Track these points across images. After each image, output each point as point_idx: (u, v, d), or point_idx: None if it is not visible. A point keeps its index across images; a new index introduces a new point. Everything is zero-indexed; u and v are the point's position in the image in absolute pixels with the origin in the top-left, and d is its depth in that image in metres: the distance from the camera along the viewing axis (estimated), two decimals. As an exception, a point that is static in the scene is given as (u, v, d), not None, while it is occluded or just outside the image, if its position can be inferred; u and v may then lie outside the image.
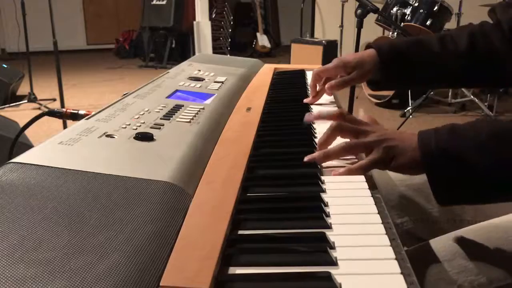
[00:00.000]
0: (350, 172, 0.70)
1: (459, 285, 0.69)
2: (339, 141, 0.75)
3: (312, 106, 1.09)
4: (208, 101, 0.99)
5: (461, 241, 0.74)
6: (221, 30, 7.06)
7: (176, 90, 1.05)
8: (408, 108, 3.77)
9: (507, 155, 0.62)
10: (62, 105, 3.25)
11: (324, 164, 0.74)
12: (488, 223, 0.78)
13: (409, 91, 3.83)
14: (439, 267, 0.72)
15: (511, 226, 0.75)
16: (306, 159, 0.73)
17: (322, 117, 0.79)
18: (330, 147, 0.75)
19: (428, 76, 1.02)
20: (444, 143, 0.65)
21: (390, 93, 4.01)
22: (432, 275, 0.72)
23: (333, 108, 1.07)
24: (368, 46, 1.04)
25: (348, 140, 0.74)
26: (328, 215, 0.58)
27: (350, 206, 0.61)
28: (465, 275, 0.69)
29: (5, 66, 4.44)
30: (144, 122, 0.79)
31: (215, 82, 1.17)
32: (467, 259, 0.71)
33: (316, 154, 0.73)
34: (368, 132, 0.72)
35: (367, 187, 0.66)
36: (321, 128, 0.82)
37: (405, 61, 0.99)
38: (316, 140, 0.86)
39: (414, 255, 0.77)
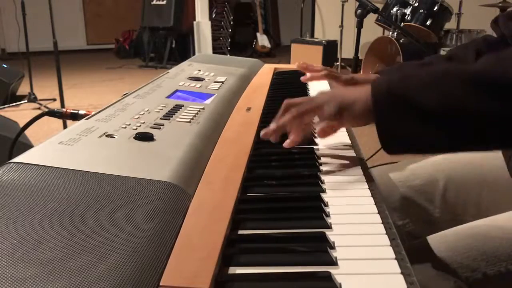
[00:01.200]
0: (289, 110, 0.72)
1: (455, 281, 0.70)
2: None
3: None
4: (208, 101, 0.99)
5: (458, 238, 0.74)
6: (221, 30, 7.06)
7: (176, 90, 1.05)
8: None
9: (454, 95, 0.61)
10: (62, 105, 3.25)
11: (324, 168, 0.74)
12: (485, 220, 0.78)
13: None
14: (435, 263, 0.72)
15: (507, 224, 0.75)
16: (261, 134, 0.75)
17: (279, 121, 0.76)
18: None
19: None
20: (394, 85, 0.65)
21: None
22: (428, 271, 0.72)
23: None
24: (378, 72, 1.03)
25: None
26: (328, 215, 0.58)
27: (350, 206, 0.61)
28: (461, 272, 0.70)
29: (5, 66, 4.44)
30: (144, 122, 0.79)
31: (215, 82, 1.17)
32: (464, 255, 0.71)
33: (269, 127, 0.74)
34: (318, 96, 0.73)
35: (367, 187, 0.66)
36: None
37: None
38: (316, 140, 0.86)
39: (411, 251, 0.77)
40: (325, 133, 0.77)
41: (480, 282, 0.69)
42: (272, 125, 0.74)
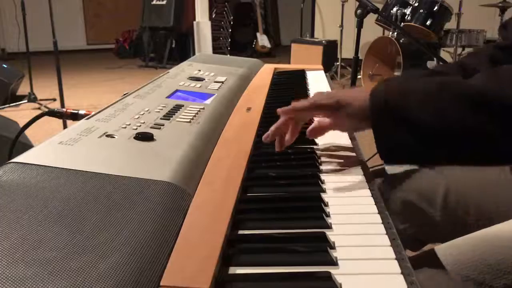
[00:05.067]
0: (286, 111, 0.75)
1: None
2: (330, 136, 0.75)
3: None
4: (208, 101, 0.99)
5: (465, 250, 0.72)
6: (221, 30, 7.06)
7: (176, 90, 1.05)
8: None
9: (450, 112, 0.61)
10: (62, 105, 3.25)
11: (324, 168, 0.74)
12: (492, 230, 0.76)
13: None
14: (442, 276, 0.71)
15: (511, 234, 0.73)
16: (264, 137, 0.77)
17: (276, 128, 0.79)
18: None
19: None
20: (391, 97, 0.65)
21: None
22: (435, 283, 0.71)
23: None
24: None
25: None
26: (328, 215, 0.58)
27: (350, 206, 0.61)
28: (468, 285, 0.69)
29: (5, 66, 4.44)
30: (144, 122, 0.79)
31: (215, 82, 1.17)
32: (470, 268, 0.70)
33: (272, 128, 0.76)
34: (316, 95, 0.75)
35: (367, 187, 0.66)
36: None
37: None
38: (316, 140, 0.86)
39: (419, 262, 0.75)
40: (314, 133, 0.79)
41: None
42: (271, 128, 0.77)
